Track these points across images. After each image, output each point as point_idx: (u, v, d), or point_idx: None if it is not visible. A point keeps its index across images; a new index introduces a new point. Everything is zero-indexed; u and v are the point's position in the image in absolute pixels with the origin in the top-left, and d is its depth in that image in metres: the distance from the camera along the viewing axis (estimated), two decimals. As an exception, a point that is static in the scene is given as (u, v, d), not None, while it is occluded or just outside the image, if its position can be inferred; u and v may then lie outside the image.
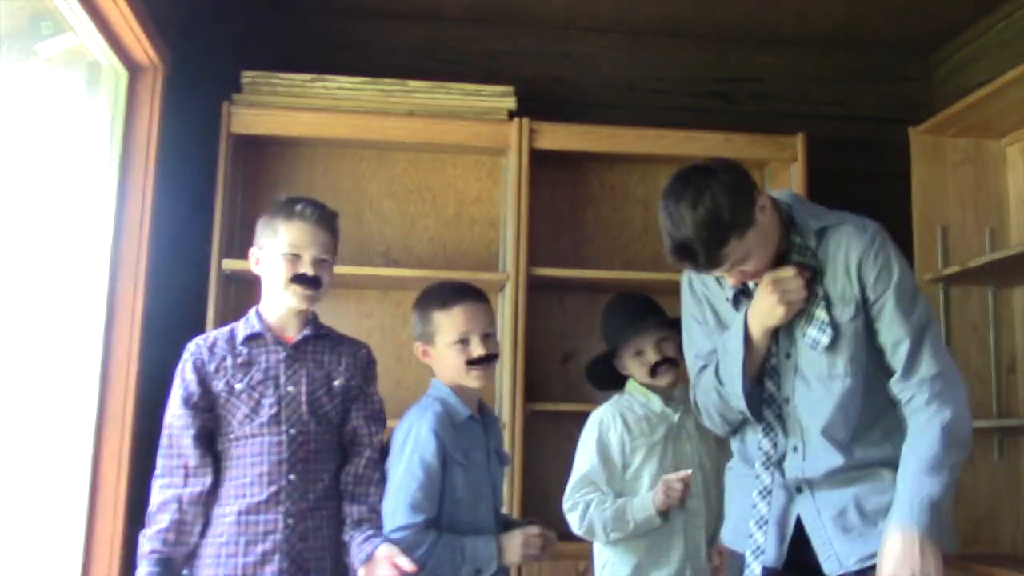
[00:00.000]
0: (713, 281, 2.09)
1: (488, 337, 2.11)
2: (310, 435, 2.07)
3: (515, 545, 2.05)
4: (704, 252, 1.83)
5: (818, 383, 1.95)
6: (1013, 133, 3.34)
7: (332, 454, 2.10)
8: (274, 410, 2.05)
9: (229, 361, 2.08)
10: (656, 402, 2.51)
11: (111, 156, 2.82)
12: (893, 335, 1.92)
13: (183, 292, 3.08)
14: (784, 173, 3.47)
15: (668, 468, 2.44)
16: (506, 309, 3.23)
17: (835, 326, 1.93)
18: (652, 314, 2.52)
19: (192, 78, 3.18)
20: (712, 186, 1.84)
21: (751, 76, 3.78)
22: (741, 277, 1.95)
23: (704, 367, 2.09)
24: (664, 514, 2.39)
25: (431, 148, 3.42)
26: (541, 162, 3.34)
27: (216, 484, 2.04)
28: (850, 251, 1.95)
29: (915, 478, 1.84)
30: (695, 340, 2.14)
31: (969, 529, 3.22)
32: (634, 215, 3.58)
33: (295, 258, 2.09)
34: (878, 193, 3.67)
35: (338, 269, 3.05)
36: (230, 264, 3.07)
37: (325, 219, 2.13)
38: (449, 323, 2.08)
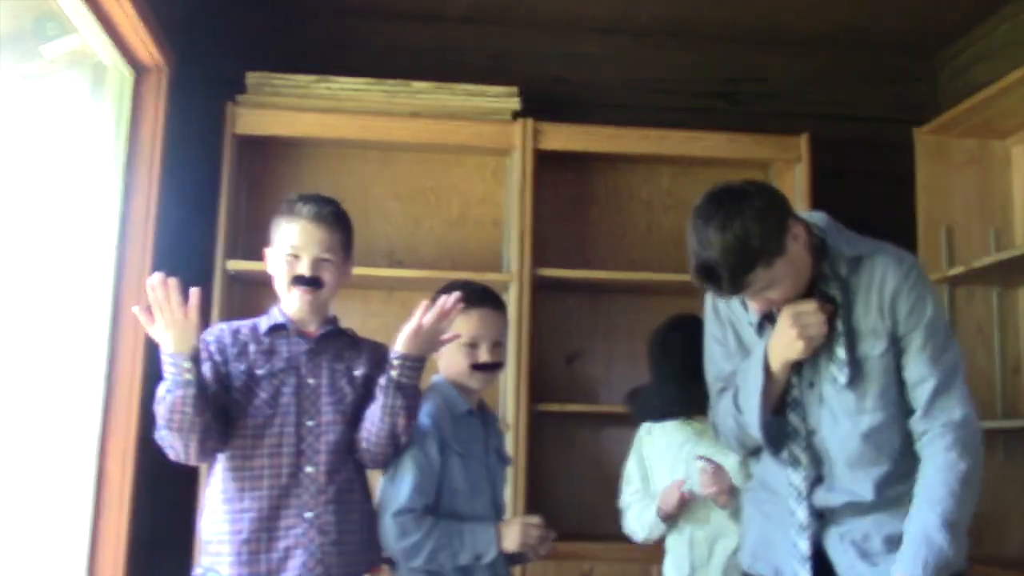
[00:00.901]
0: (738, 303, 2.04)
1: (498, 345, 2.13)
2: (328, 426, 2.05)
3: (513, 532, 2.04)
4: (729, 277, 1.80)
5: (845, 417, 1.91)
6: (1018, 133, 3.33)
7: (352, 447, 2.07)
8: (293, 399, 2.04)
9: (252, 348, 2.08)
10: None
11: (116, 157, 2.83)
12: (918, 372, 1.88)
13: (188, 291, 3.07)
14: (788, 173, 3.47)
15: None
16: (511, 310, 3.22)
17: (855, 363, 1.89)
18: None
19: (196, 79, 3.18)
20: (744, 211, 1.80)
21: (755, 76, 3.77)
22: (767, 304, 1.92)
23: (723, 390, 2.05)
24: (671, 518, 2.41)
25: (435, 149, 3.42)
26: (545, 163, 3.34)
27: (233, 479, 2.01)
28: (885, 282, 1.90)
29: (929, 532, 1.80)
30: (716, 361, 2.10)
31: (974, 530, 3.20)
32: (638, 215, 3.58)
33: (294, 259, 2.08)
34: (882, 193, 3.68)
35: (342, 270, 3.09)
36: (235, 265, 3.08)
37: (324, 217, 2.09)
38: (464, 325, 2.08)
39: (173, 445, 1.98)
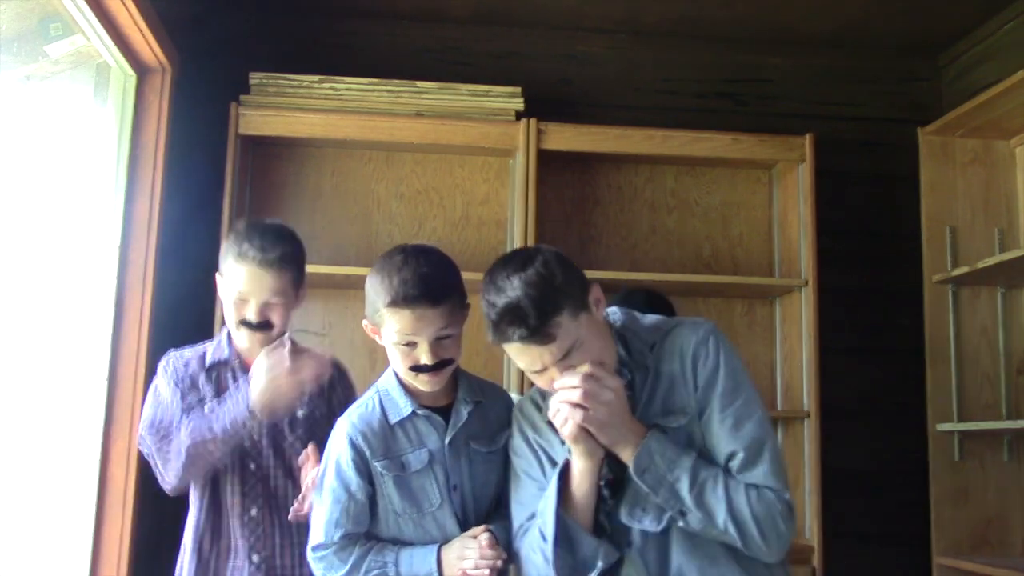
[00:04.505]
0: (545, 425, 1.77)
1: (444, 339, 1.76)
2: (269, 470, 2.05)
3: (451, 557, 1.74)
4: (536, 312, 1.58)
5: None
6: (1022, 133, 3.33)
7: (295, 490, 2.00)
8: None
9: (201, 380, 2.06)
10: None
11: (119, 157, 2.83)
12: (722, 446, 1.69)
13: (191, 293, 3.08)
14: (792, 174, 3.47)
15: None
16: (513, 310, 3.23)
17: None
18: None
19: (200, 79, 3.19)
20: (543, 253, 1.66)
21: (759, 77, 3.77)
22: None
23: (527, 531, 1.74)
24: None
25: (439, 149, 3.43)
26: (549, 163, 3.34)
27: (193, 520, 2.07)
28: (684, 351, 1.72)
29: (687, 462, 1.63)
30: (526, 502, 1.77)
31: (978, 531, 3.21)
32: (641, 216, 3.57)
33: (242, 302, 2.01)
34: (886, 194, 3.68)
35: (345, 270, 3.09)
36: (238, 265, 3.08)
37: (271, 263, 1.98)
38: (393, 324, 1.74)
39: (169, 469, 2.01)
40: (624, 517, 1.69)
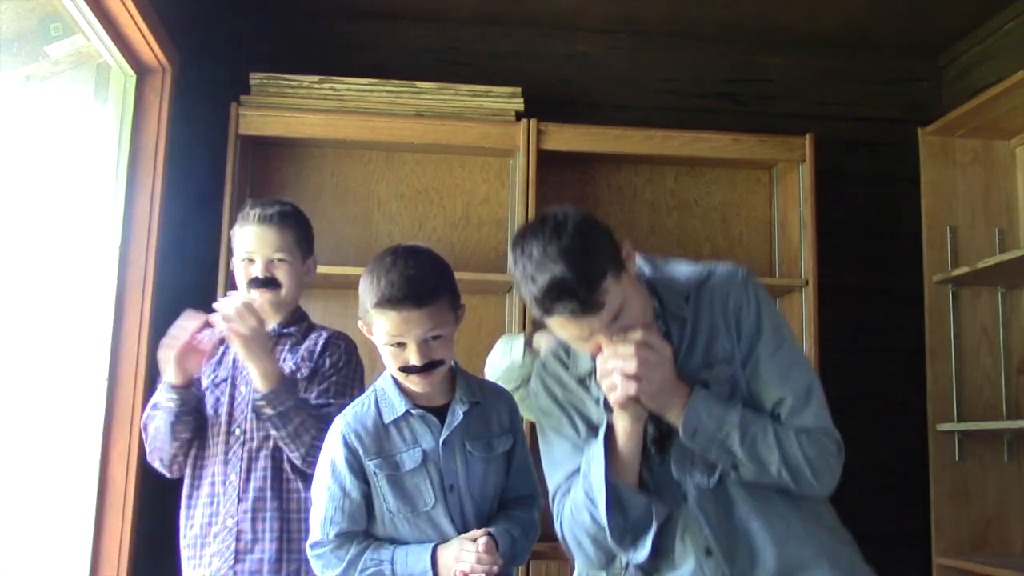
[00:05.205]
0: (575, 384, 1.76)
1: (433, 340, 1.74)
2: (252, 434, 2.09)
3: (448, 558, 1.73)
4: (584, 285, 1.51)
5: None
6: (1022, 134, 3.33)
7: (277, 456, 2.07)
8: (227, 409, 2.11)
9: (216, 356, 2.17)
10: None
11: (119, 157, 2.83)
12: (770, 392, 1.69)
13: (191, 293, 3.08)
14: (792, 174, 3.47)
15: None
16: (514, 311, 3.23)
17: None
18: None
19: (200, 79, 3.19)
20: (572, 217, 1.59)
21: (759, 77, 3.77)
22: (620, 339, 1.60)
23: (568, 490, 1.72)
24: None
25: (439, 149, 3.43)
26: (549, 163, 3.34)
27: (186, 485, 2.15)
28: (727, 299, 1.71)
29: (735, 416, 1.61)
30: (560, 462, 1.75)
31: (978, 531, 3.21)
32: (641, 216, 3.57)
33: (249, 263, 2.12)
34: (886, 194, 3.68)
35: (347, 270, 3.09)
36: (238, 265, 3.08)
37: (270, 218, 2.11)
38: (381, 325, 1.74)
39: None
40: (676, 473, 1.66)
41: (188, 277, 3.08)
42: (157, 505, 2.88)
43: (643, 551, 1.64)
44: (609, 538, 1.63)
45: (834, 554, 1.67)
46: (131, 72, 2.84)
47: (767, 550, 1.63)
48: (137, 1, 2.52)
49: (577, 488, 1.69)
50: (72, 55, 2.68)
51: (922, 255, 3.33)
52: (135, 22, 2.59)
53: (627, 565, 1.69)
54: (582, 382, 1.74)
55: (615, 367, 1.57)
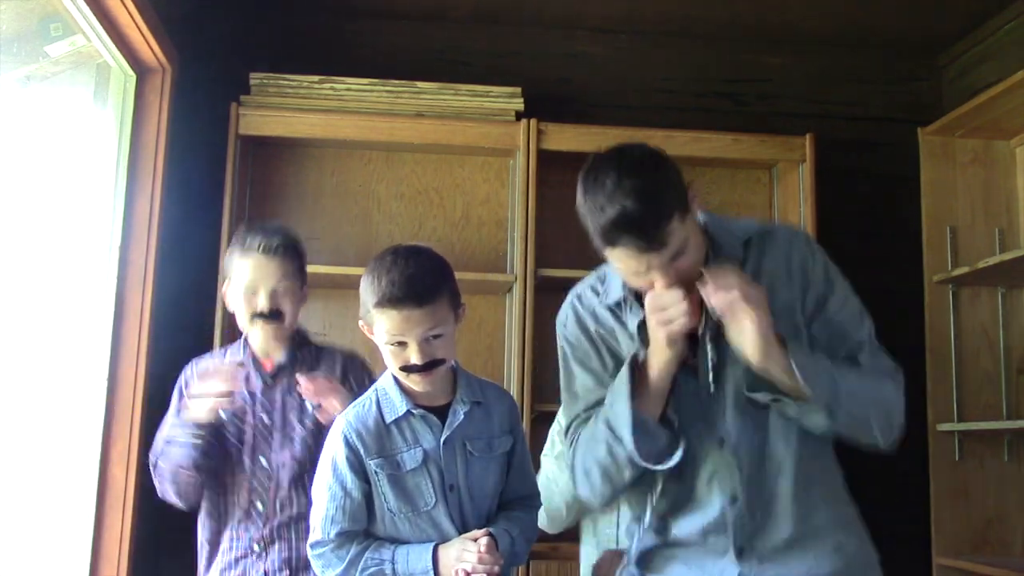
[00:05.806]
0: (609, 315, 1.78)
1: (434, 339, 1.75)
2: (278, 466, 2.10)
3: (449, 557, 1.73)
4: (652, 221, 1.54)
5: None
6: (1022, 134, 3.33)
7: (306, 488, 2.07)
8: (249, 439, 2.10)
9: None
10: None
11: (119, 157, 2.83)
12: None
13: (191, 293, 3.08)
14: (792, 174, 3.47)
15: None
16: (514, 310, 3.23)
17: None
18: None
19: (200, 79, 3.19)
20: (649, 154, 1.62)
21: (759, 76, 3.77)
22: (675, 277, 1.62)
23: (587, 420, 1.76)
24: None
25: (439, 149, 3.43)
26: (549, 163, 3.33)
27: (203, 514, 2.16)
28: (791, 254, 1.76)
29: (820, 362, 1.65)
30: (581, 392, 1.78)
31: (978, 531, 3.21)
32: (642, 216, 3.57)
33: (252, 294, 2.10)
34: (887, 194, 3.68)
35: (347, 270, 3.09)
36: (238, 265, 3.08)
37: (275, 249, 2.10)
38: (382, 324, 1.74)
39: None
40: (747, 390, 1.68)
41: (188, 277, 3.08)
42: (157, 505, 2.89)
43: (672, 461, 1.68)
44: (637, 457, 1.65)
45: (846, 528, 1.76)
46: (131, 72, 2.84)
47: (786, 512, 1.67)
48: (137, 1, 2.52)
49: (597, 419, 1.71)
50: (72, 55, 2.68)
51: (922, 255, 3.33)
52: (135, 22, 2.59)
53: (647, 521, 1.74)
54: (613, 311, 1.77)
55: (719, 303, 1.58)
